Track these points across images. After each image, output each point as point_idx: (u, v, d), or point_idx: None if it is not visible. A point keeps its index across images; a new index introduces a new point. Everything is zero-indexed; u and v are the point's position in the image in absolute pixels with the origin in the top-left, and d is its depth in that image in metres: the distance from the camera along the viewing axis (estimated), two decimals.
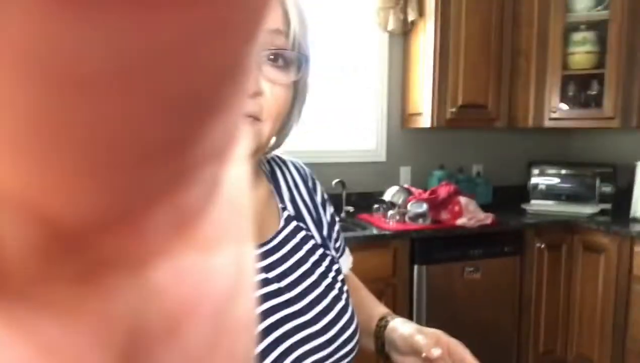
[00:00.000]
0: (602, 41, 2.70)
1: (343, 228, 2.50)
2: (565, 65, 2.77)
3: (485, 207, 2.63)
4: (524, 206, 2.91)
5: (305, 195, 0.78)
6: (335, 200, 2.57)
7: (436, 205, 2.51)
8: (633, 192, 2.63)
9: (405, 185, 2.76)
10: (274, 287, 0.64)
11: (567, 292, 2.68)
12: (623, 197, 2.82)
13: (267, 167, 0.77)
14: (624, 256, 2.38)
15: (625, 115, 2.65)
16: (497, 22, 2.77)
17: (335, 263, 0.76)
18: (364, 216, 2.61)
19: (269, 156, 0.77)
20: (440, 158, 3.04)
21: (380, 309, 0.82)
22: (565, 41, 2.75)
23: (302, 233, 0.73)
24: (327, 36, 2.75)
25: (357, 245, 2.18)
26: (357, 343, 0.72)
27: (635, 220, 2.57)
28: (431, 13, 2.67)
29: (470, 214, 2.49)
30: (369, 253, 2.23)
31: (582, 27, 2.75)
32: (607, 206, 2.85)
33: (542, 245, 2.60)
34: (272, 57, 0.58)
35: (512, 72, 2.85)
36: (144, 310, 0.10)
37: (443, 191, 2.54)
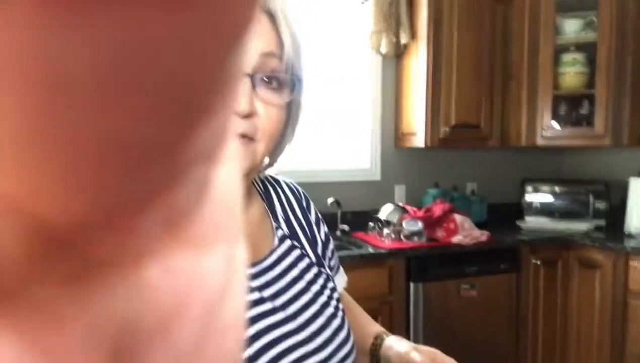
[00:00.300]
0: (591, 62, 2.76)
1: (338, 247, 2.51)
2: (556, 86, 2.82)
3: (480, 225, 2.65)
4: (518, 223, 2.92)
5: (299, 214, 0.79)
6: (330, 219, 2.58)
7: (431, 223, 2.53)
8: (626, 208, 2.65)
9: (400, 204, 2.78)
10: (268, 306, 0.64)
11: (563, 308, 2.67)
12: (616, 213, 2.84)
13: (261, 186, 0.77)
14: (619, 271, 2.39)
15: (616, 134, 2.69)
16: (489, 43, 2.83)
17: (331, 281, 0.76)
18: (360, 234, 2.62)
19: (262, 176, 0.78)
20: (434, 176, 3.07)
21: (375, 328, 0.82)
22: (556, 62, 2.81)
23: (297, 252, 0.73)
24: (322, 59, 2.81)
25: (353, 264, 2.19)
26: (353, 361, 0.72)
27: (629, 235, 2.58)
28: (423, 36, 2.74)
29: (466, 232, 2.50)
30: (365, 272, 2.24)
31: (572, 48, 2.81)
32: (601, 222, 2.87)
33: (538, 262, 2.61)
34: (267, 79, 0.60)
35: (503, 92, 2.90)
36: (135, 309, 0.10)
37: (438, 209, 2.56)
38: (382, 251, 2.33)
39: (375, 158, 2.96)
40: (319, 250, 0.78)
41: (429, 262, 2.41)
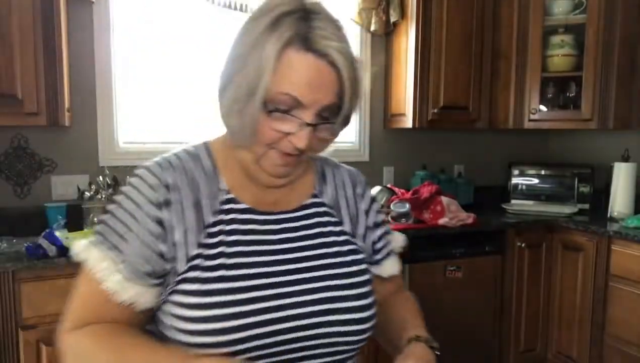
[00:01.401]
0: (579, 44, 2.76)
1: None
2: (544, 68, 2.81)
3: (466, 207, 2.66)
4: (504, 206, 2.95)
5: (349, 195, 0.92)
6: None
7: (419, 205, 2.53)
8: (610, 192, 2.69)
9: (389, 185, 2.78)
10: (274, 247, 0.80)
11: (547, 290, 2.72)
12: (600, 197, 2.88)
13: (320, 167, 0.93)
14: (601, 255, 2.43)
15: (602, 117, 2.70)
16: (478, 24, 2.81)
17: (361, 253, 0.87)
18: None
19: (323, 159, 0.94)
20: (422, 158, 3.07)
21: (411, 332, 0.84)
22: (545, 44, 2.80)
23: (330, 218, 0.88)
24: None
25: None
26: (370, 305, 0.82)
27: (612, 219, 2.62)
28: (413, 15, 2.70)
29: (452, 214, 2.51)
30: None
31: (561, 30, 2.80)
32: (585, 206, 2.92)
33: (523, 245, 2.64)
34: (323, 123, 0.75)
35: (492, 74, 2.89)
36: None
37: (425, 191, 2.56)
38: None
39: (364, 139, 2.94)
40: (360, 230, 0.90)
41: (416, 243, 2.42)
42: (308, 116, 0.72)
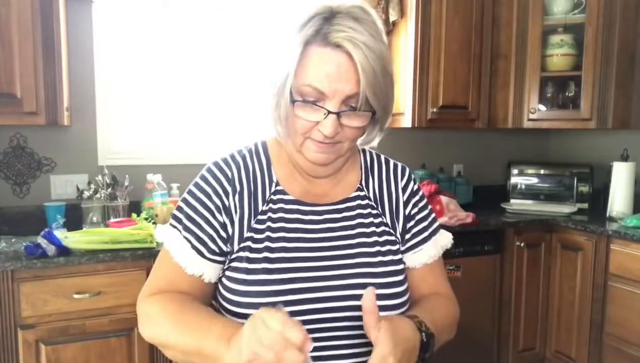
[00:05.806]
0: (579, 44, 2.76)
1: None
2: (543, 67, 2.81)
3: (465, 206, 2.66)
4: (503, 205, 2.95)
5: (392, 189, 0.98)
6: None
7: None
8: (609, 192, 2.69)
9: None
10: (315, 235, 0.88)
11: (545, 289, 2.72)
12: (599, 196, 2.89)
13: (368, 162, 1.00)
14: (600, 254, 2.43)
15: (601, 117, 2.70)
16: (477, 24, 2.80)
17: (397, 243, 0.94)
18: None
19: (374, 155, 1.02)
20: (421, 158, 3.07)
21: (414, 311, 0.87)
22: (544, 43, 2.80)
23: (373, 210, 0.94)
24: None
25: None
26: (397, 294, 0.87)
27: (611, 218, 2.62)
28: (412, 14, 2.70)
29: (451, 213, 2.52)
30: None
31: (560, 29, 2.80)
32: (584, 205, 2.92)
33: (522, 244, 2.64)
34: (348, 110, 0.81)
35: (492, 74, 2.89)
36: None
37: (424, 190, 2.56)
38: None
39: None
40: (400, 222, 0.95)
41: None
42: (332, 106, 0.79)
